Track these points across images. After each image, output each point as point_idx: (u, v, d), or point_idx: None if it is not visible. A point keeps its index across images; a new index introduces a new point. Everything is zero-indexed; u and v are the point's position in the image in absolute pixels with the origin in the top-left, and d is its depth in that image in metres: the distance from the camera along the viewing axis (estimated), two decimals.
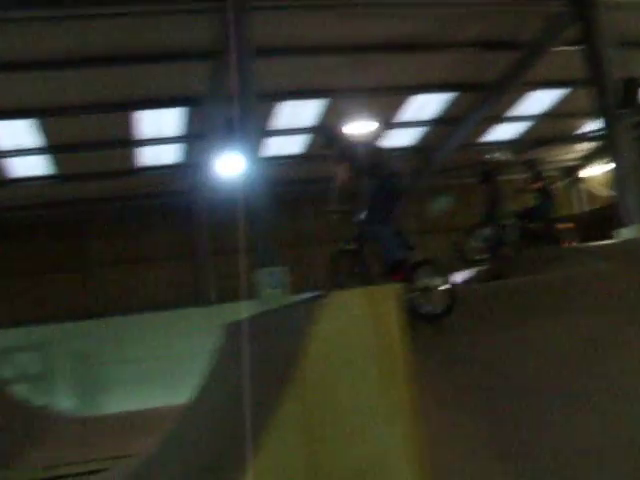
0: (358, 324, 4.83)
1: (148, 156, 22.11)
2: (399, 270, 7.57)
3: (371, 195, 8.05)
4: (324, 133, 9.09)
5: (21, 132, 19.11)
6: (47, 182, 22.73)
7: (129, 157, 21.97)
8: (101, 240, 25.60)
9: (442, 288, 7.54)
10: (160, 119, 19.60)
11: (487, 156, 13.53)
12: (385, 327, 4.82)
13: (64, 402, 23.52)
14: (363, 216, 8.13)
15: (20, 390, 21.64)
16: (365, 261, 8.17)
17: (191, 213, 25.58)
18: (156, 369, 23.68)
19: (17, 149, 20.15)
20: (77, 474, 11.71)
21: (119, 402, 22.79)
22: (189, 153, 21.97)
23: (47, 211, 24.62)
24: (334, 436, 4.75)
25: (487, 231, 13.00)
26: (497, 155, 13.54)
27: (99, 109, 18.64)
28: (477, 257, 13.13)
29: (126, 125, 19.75)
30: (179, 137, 20.94)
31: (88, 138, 20.12)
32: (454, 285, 7.73)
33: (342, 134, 8.83)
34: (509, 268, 11.01)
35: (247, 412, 5.84)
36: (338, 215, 8.42)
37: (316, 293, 5.05)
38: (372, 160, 8.13)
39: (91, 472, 11.60)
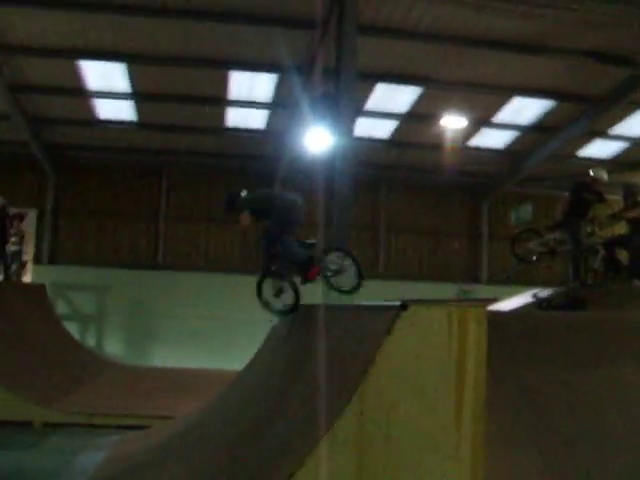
0: (436, 345, 4.40)
1: (236, 118, 21.90)
2: (310, 266, 8.95)
3: (269, 225, 9.31)
4: (226, 199, 9.86)
5: (113, 75, 19.07)
6: (131, 128, 22.79)
7: (216, 115, 21.80)
8: (176, 193, 25.65)
9: (351, 268, 8.92)
10: (253, 82, 19.32)
11: (591, 171, 12.94)
12: (464, 354, 4.39)
13: (112, 347, 23.72)
14: (264, 242, 9.47)
15: (73, 328, 21.81)
16: (285, 276, 9.23)
17: (269, 181, 25.36)
18: (209, 330, 23.65)
19: (107, 91, 20.18)
20: (116, 426, 11.59)
21: (165, 356, 22.87)
22: (277, 121, 21.66)
23: (127, 156, 24.72)
24: (388, 462, 4.35)
25: (551, 237, 12.75)
26: (596, 171, 12.92)
27: (194, 63, 18.44)
28: (530, 258, 13.35)
29: (217, 83, 19.53)
30: (269, 103, 20.63)
31: (179, 90, 20.01)
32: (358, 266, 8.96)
33: (239, 195, 9.68)
34: (592, 297, 10.42)
35: (297, 410, 5.49)
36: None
37: (394, 302, 4.61)
38: (264, 204, 9.51)
39: (130, 427, 11.46)
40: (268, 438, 5.62)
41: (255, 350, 10.40)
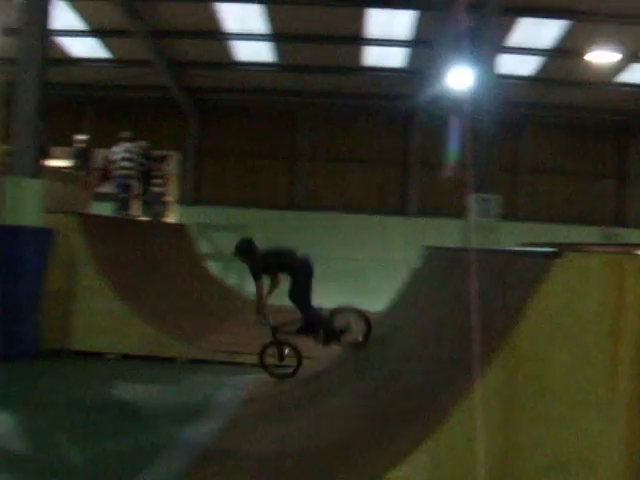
0: (591, 296, 4.11)
1: (373, 56, 21.54)
2: (331, 336, 9.57)
3: (291, 286, 9.91)
4: (241, 247, 10.03)
5: (250, 16, 19.09)
6: (269, 69, 22.83)
7: (354, 54, 21.51)
8: (313, 133, 25.65)
9: (356, 327, 9.44)
10: (391, 19, 18.85)
11: None
12: (622, 306, 4.08)
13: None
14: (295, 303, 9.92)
15: (216, 267, 22.33)
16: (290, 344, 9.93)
17: (408, 121, 24.96)
18: (347, 271, 23.75)
19: (244, 33, 20.24)
20: (253, 364, 11.71)
21: None
22: (416, 59, 21.16)
23: (265, 98, 24.92)
24: (537, 418, 4.14)
25: None
26: None
27: (331, 1, 18.19)
28: None
29: (354, 21, 19.21)
30: (408, 41, 20.14)
31: (316, 30, 19.82)
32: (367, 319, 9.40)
33: (254, 245, 10.00)
34: None
35: (441, 358, 5.33)
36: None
37: (548, 248, 4.35)
38: (275, 262, 9.98)
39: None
40: (412, 384, 5.51)
41: (393, 291, 10.27)
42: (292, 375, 9.73)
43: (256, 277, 9.87)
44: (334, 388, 7.68)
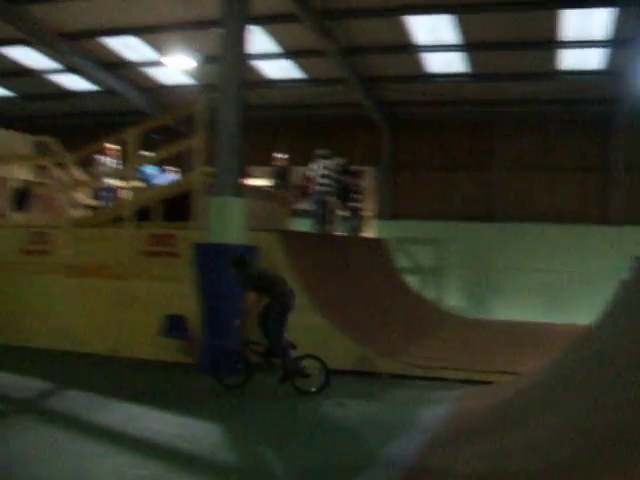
0: None
1: (569, 60, 20.71)
2: (292, 375, 10.24)
3: (267, 310, 10.35)
4: (233, 262, 10.54)
5: (441, 28, 18.96)
6: (461, 80, 22.59)
7: (548, 59, 20.79)
8: (510, 143, 25.03)
9: (316, 375, 10.22)
10: (587, 20, 18.03)
11: None
12: None
13: (451, 300, 23.89)
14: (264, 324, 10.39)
15: (413, 281, 22.30)
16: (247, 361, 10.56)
17: (608, 125, 23.77)
18: (548, 283, 23.01)
19: (435, 44, 20.16)
20: (454, 380, 11.52)
21: (505, 310, 22.60)
22: (616, 59, 20.09)
23: (458, 109, 24.66)
24: None
25: None
26: None
27: (521, 6, 17.71)
28: None
29: (548, 25, 18.55)
30: (606, 41, 19.17)
31: (507, 37, 19.38)
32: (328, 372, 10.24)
33: (247, 264, 10.51)
34: None
35: None
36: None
37: None
38: (265, 284, 10.30)
39: (470, 381, 11.35)
40: (630, 407, 5.14)
41: (595, 304, 9.74)
42: (240, 388, 10.35)
43: (244, 290, 10.37)
44: (543, 406, 7.34)
